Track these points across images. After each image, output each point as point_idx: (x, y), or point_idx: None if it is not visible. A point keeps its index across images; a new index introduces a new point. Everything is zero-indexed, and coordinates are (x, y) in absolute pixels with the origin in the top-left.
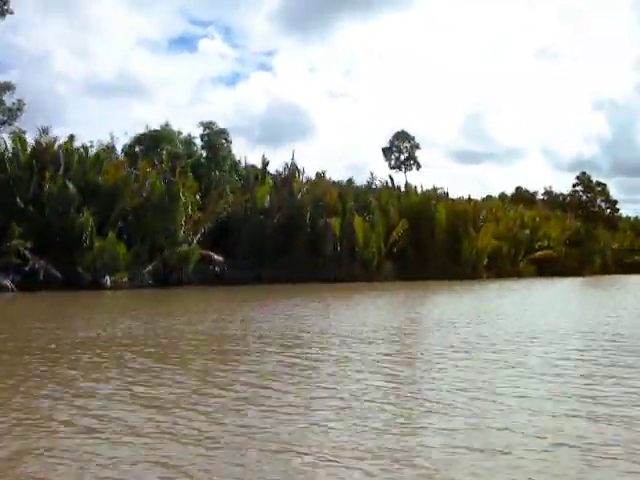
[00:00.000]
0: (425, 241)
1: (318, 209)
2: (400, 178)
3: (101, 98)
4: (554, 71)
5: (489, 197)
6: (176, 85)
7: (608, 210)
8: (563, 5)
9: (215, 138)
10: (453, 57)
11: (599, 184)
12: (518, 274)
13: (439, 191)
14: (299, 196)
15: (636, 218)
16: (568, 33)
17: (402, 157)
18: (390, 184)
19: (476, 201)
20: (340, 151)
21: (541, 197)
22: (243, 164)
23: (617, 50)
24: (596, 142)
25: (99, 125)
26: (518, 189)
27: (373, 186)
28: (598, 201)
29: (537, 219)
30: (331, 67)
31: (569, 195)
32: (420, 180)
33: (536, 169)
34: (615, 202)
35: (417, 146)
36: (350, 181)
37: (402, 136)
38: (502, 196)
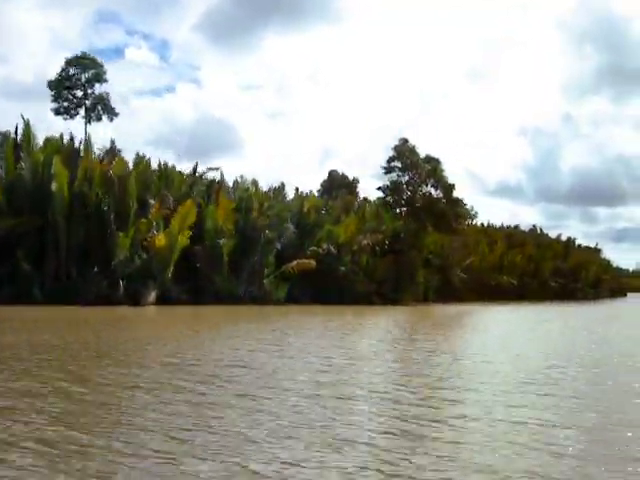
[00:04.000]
0: None
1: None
2: None
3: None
4: (480, 95)
5: None
6: None
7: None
8: (492, 28)
9: None
10: (382, 75)
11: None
12: None
13: None
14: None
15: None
16: (494, 58)
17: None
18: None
19: None
20: (267, 168)
21: None
22: None
23: (544, 76)
24: (521, 168)
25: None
26: None
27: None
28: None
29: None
30: (261, 81)
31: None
32: None
33: (463, 192)
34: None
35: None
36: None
37: None
38: None
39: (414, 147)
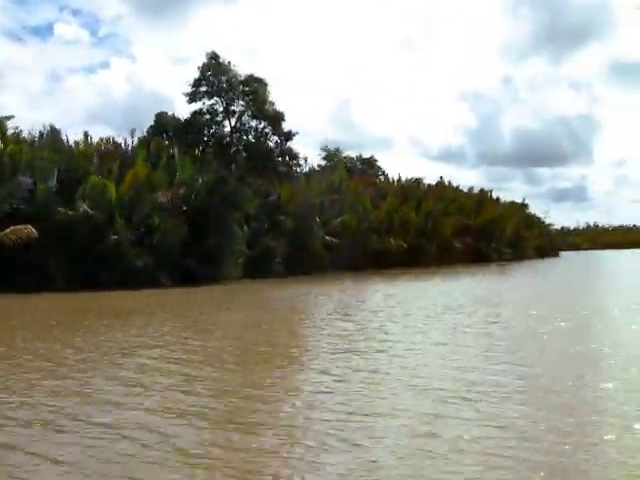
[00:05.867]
0: None
1: None
2: None
3: None
4: (420, 61)
5: None
6: (30, 72)
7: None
8: None
9: None
10: (321, 45)
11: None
12: None
13: None
14: None
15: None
16: (433, 22)
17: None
18: None
19: None
20: None
21: None
22: None
23: (481, 39)
24: (462, 132)
25: None
26: None
27: None
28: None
29: None
30: (195, 54)
31: None
32: None
33: (405, 159)
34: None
35: None
36: None
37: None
38: None
39: (229, 65)
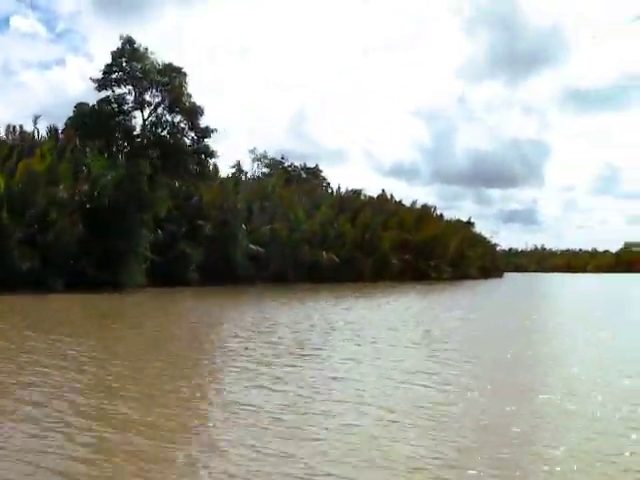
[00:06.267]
0: None
1: None
2: None
3: None
4: (377, 74)
5: None
6: None
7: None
8: (390, 12)
9: None
10: (279, 53)
11: None
12: None
13: None
14: None
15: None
16: (392, 39)
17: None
18: None
19: None
20: None
21: None
22: None
23: (439, 59)
24: (417, 149)
25: None
26: None
27: None
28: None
29: None
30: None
31: None
32: None
33: (359, 173)
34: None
35: None
36: None
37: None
38: None
39: (146, 51)
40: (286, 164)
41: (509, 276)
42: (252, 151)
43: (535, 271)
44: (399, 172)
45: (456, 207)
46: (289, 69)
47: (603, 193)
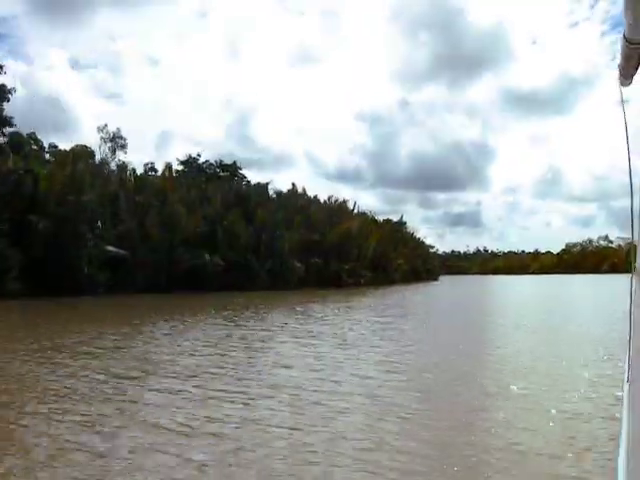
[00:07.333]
0: None
1: None
2: None
3: None
4: (317, 80)
5: None
6: None
7: None
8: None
9: None
10: (219, 57)
11: None
12: None
13: None
14: None
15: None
16: (328, 41)
17: None
18: None
19: None
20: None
21: None
22: None
23: (380, 62)
24: (360, 153)
25: None
26: None
27: None
28: None
29: None
30: (94, 60)
31: None
32: None
33: (305, 178)
34: None
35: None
36: None
37: None
38: None
39: None
40: (200, 161)
41: (445, 279)
42: (101, 129)
43: (477, 273)
44: (344, 177)
45: (401, 211)
46: (230, 75)
47: (546, 195)
